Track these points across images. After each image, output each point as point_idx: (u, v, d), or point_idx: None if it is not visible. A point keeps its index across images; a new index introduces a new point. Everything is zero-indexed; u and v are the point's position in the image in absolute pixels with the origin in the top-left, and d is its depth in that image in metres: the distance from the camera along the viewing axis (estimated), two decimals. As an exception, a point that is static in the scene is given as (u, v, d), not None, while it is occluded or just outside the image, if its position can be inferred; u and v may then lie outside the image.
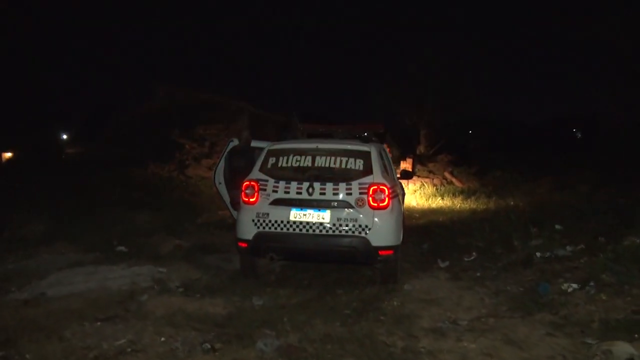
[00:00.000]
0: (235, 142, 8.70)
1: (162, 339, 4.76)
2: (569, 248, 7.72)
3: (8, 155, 29.62)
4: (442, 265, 7.69)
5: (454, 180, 20.11)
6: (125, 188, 14.20)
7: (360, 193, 6.21)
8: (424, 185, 18.18)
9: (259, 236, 6.33)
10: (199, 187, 15.82)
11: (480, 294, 6.13)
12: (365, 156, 6.50)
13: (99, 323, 5.14)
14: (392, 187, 6.46)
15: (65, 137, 41.31)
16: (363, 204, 6.18)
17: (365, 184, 6.25)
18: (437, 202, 15.29)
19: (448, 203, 15.10)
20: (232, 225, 9.97)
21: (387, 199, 6.21)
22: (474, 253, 8.11)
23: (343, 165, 6.47)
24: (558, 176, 18.07)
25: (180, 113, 21.58)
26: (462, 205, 14.42)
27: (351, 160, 6.49)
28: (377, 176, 6.33)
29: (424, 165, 21.89)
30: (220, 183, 8.87)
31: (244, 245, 6.45)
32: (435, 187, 18.05)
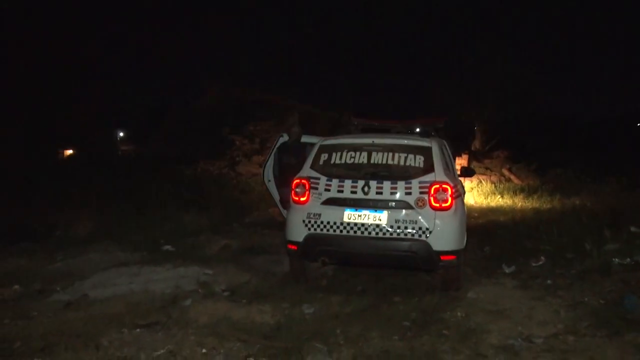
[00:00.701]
0: (285, 137, 8.29)
1: (204, 350, 4.37)
2: (650, 253, 7.00)
3: (69, 152, 30.44)
4: (507, 270, 7.07)
5: (512, 177, 19.24)
6: (174, 186, 14.06)
7: (421, 192, 5.67)
8: (481, 182, 17.40)
9: (309, 238, 5.88)
10: (249, 185, 15.56)
11: (555, 306, 5.49)
12: (426, 152, 5.96)
13: (138, 330, 4.80)
14: (455, 186, 5.89)
15: (121, 134, 42.28)
16: (424, 204, 5.64)
17: (426, 182, 5.71)
18: (497, 201, 14.53)
19: (508, 202, 14.32)
20: (282, 224, 9.60)
21: (450, 198, 5.66)
22: (542, 258, 7.43)
23: (402, 162, 5.94)
24: (627, 175, 16.91)
25: (231, 111, 21.58)
26: (524, 204, 13.63)
27: (410, 156, 5.95)
28: (439, 174, 5.78)
29: (479, 161, 21.07)
30: (269, 180, 8.48)
31: (293, 247, 6.02)
32: (493, 185, 17.23)
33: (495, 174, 19.36)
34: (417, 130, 7.46)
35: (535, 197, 14.42)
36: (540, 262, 7.31)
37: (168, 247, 8.41)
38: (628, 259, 6.90)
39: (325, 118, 21.26)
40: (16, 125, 24.60)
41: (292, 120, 16.58)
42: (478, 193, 15.96)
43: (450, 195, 5.67)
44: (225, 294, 6.03)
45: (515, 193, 15.34)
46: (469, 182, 16.67)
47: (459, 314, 5.30)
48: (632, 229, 8.19)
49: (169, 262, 7.25)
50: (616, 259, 6.92)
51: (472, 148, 23.96)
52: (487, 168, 20.31)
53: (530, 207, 13.17)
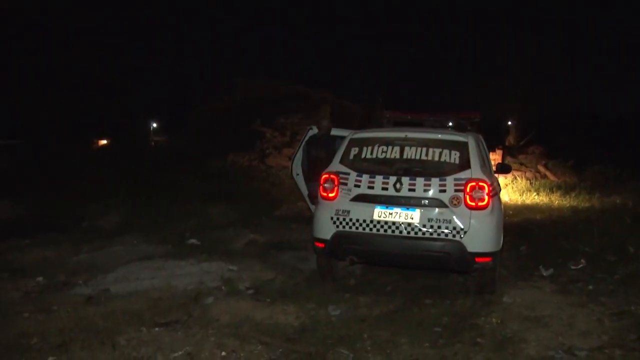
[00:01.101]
0: (315, 130, 8.02)
1: (223, 353, 4.16)
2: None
3: (103, 142, 30.94)
4: (544, 273, 6.70)
5: (548, 174, 18.63)
6: (203, 179, 13.98)
7: (456, 190, 5.36)
8: (516, 178, 16.88)
9: (338, 236, 5.62)
10: (279, 177, 15.41)
11: (597, 314, 5.13)
12: (462, 147, 5.63)
13: (157, 329, 4.63)
14: (491, 184, 5.56)
15: (154, 125, 42.75)
16: (459, 202, 5.33)
17: (461, 179, 5.39)
18: (532, 198, 14.04)
19: (544, 199, 13.81)
20: (310, 219, 9.38)
21: (486, 197, 5.34)
22: (582, 260, 7.03)
23: (436, 158, 5.63)
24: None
25: (262, 104, 21.49)
26: (561, 203, 13.11)
27: (445, 152, 5.63)
28: (475, 171, 5.46)
29: (514, 157, 20.48)
30: (297, 174, 8.25)
31: (321, 245, 5.77)
32: (528, 181, 16.70)
33: (531, 170, 18.78)
34: (450, 124, 7.14)
35: (573, 195, 13.87)
36: (580, 265, 6.92)
37: (194, 240, 8.27)
38: (676, 265, 6.50)
39: (357, 111, 20.96)
40: (53, 113, 25.03)
41: (322, 112, 16.31)
42: (513, 190, 15.47)
43: (487, 194, 5.35)
44: (249, 291, 5.83)
45: (551, 190, 14.79)
46: (503, 178, 16.16)
47: (494, 320, 4.99)
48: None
49: (193, 257, 7.11)
50: (663, 264, 6.53)
51: (506, 143, 23.38)
52: (521, 164, 19.72)
53: (567, 205, 12.66)
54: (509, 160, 19.15)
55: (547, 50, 23.55)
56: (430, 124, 7.22)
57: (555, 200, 13.55)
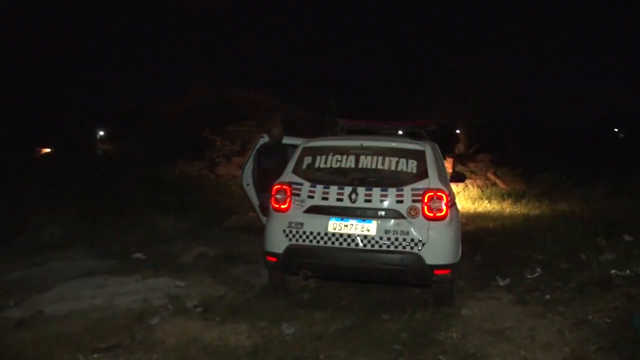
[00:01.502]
0: (265, 138, 7.74)
1: (169, 381, 3.84)
2: (649, 264, 6.62)
3: (46, 150, 29.80)
4: (501, 283, 6.61)
5: (498, 181, 18.88)
6: (151, 188, 13.49)
7: (414, 201, 5.18)
8: (467, 187, 17.00)
9: (290, 250, 5.35)
10: (229, 187, 15.05)
11: (557, 325, 5.04)
12: (419, 156, 5.47)
13: (96, 355, 4.30)
14: (450, 194, 5.42)
15: (101, 133, 41.57)
16: (416, 213, 5.15)
17: (419, 189, 5.22)
18: (484, 206, 14.14)
19: (496, 207, 13.92)
20: (261, 230, 9.08)
21: (444, 207, 5.18)
22: (537, 269, 6.99)
23: (393, 167, 5.44)
24: (613, 180, 16.66)
25: (212, 111, 21.12)
26: (512, 210, 13.23)
27: (402, 161, 5.45)
28: (433, 180, 5.30)
29: (464, 165, 20.69)
30: (248, 184, 7.93)
31: (273, 259, 5.49)
32: (480, 189, 16.84)
33: (481, 178, 18.99)
34: (400, 132, 7.00)
35: (523, 202, 14.04)
36: (536, 274, 6.87)
37: (139, 254, 7.85)
38: (628, 271, 6.50)
39: (309, 118, 20.79)
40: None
41: (274, 120, 16.06)
42: (465, 198, 15.56)
43: (446, 204, 5.20)
44: (198, 310, 5.50)
45: (502, 198, 14.96)
46: (455, 186, 16.24)
47: (454, 334, 4.83)
48: (626, 237, 7.83)
49: (138, 272, 6.72)
50: (615, 271, 6.53)
51: (456, 151, 23.61)
52: (472, 172, 19.92)
53: (518, 212, 12.78)
54: (459, 168, 19.31)
55: (497, 59, 23.89)
56: (385, 132, 7.06)
57: (507, 207, 13.66)
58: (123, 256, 7.76)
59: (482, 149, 23.12)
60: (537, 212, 12.67)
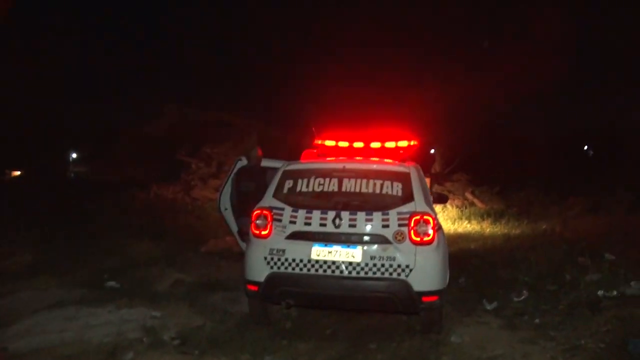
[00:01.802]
0: (244, 161, 7.52)
1: None
2: (635, 285, 6.53)
3: (17, 173, 29.12)
4: (488, 307, 6.46)
5: (475, 201, 18.84)
6: (125, 212, 13.12)
7: (400, 225, 5.00)
8: (445, 207, 16.91)
9: (272, 278, 5.11)
10: (205, 210, 14.69)
11: (550, 351, 4.89)
12: (404, 178, 5.30)
13: (64, 398, 3.96)
14: (436, 217, 5.26)
15: (74, 156, 40.86)
16: (403, 238, 4.97)
17: (405, 213, 5.05)
18: (464, 226, 14.03)
19: (476, 227, 13.82)
20: (240, 255, 8.81)
21: (432, 231, 5.02)
22: (524, 291, 6.85)
23: (377, 190, 5.26)
24: (588, 197, 16.76)
25: (187, 132, 20.79)
26: (492, 230, 13.14)
27: (387, 183, 5.28)
28: (419, 203, 5.13)
29: (441, 185, 20.61)
30: (226, 209, 7.69)
31: (254, 288, 5.24)
32: (458, 209, 16.77)
33: (459, 198, 18.93)
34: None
35: (503, 222, 13.98)
36: (523, 297, 6.73)
37: (112, 283, 7.50)
38: (615, 292, 6.44)
39: (287, 140, 20.58)
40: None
41: (251, 142, 15.82)
42: (444, 218, 15.43)
43: (432, 228, 5.03)
44: (175, 342, 5.20)
45: (482, 218, 14.89)
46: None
47: (445, 364, 4.63)
48: (607, 255, 7.78)
49: (112, 302, 6.39)
50: (602, 292, 6.45)
51: (432, 171, 23.59)
52: (449, 192, 19.86)
53: (499, 232, 12.69)
54: (436, 188, 19.24)
55: (471, 74, 24.08)
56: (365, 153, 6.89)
57: (487, 227, 13.58)
58: (95, 284, 7.41)
59: (458, 168, 23.16)
60: (518, 231, 12.61)
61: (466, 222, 14.59)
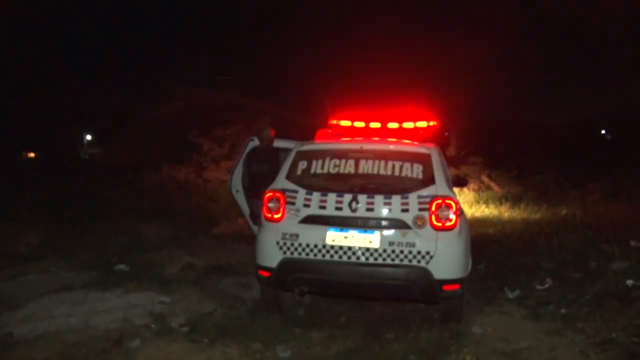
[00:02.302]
0: (256, 141, 7.25)
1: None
2: (665, 274, 6.23)
3: (31, 154, 29.19)
4: (510, 295, 6.18)
5: (492, 184, 18.48)
6: (136, 194, 12.95)
7: (420, 209, 4.73)
8: (462, 190, 16.57)
9: (285, 264, 4.87)
10: (217, 192, 14.48)
11: (580, 344, 4.60)
12: (425, 160, 5.02)
13: (66, 388, 3.77)
14: (458, 202, 4.97)
15: (89, 137, 40.94)
16: (423, 223, 4.70)
17: (426, 197, 4.77)
18: (482, 210, 13.71)
19: (494, 211, 13.51)
20: (252, 238, 8.60)
21: (454, 216, 4.74)
22: (548, 279, 6.56)
23: (396, 172, 4.98)
24: (608, 182, 16.34)
25: (199, 115, 20.61)
26: (511, 214, 12.82)
27: (407, 165, 4.99)
28: (441, 187, 4.85)
29: (456, 168, 20.27)
30: (237, 191, 7.45)
31: (266, 274, 5.00)
32: (475, 193, 16.43)
33: (475, 182, 18.58)
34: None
35: (522, 206, 13.64)
36: (547, 285, 6.44)
37: (122, 266, 7.31)
38: (644, 281, 6.12)
39: (300, 122, 20.32)
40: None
41: (263, 122, 15.57)
42: (461, 202, 15.13)
43: (455, 213, 4.75)
44: (184, 329, 5.00)
45: (500, 202, 14.55)
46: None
47: (467, 357, 4.39)
48: (632, 243, 7.43)
49: (120, 286, 6.20)
50: (631, 281, 6.13)
51: (448, 154, 23.22)
52: (465, 175, 19.51)
53: (518, 217, 12.37)
54: (452, 171, 18.88)
55: (486, 60, 23.71)
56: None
57: (505, 212, 13.26)
58: (104, 267, 7.23)
59: (474, 151, 22.78)
60: (537, 216, 12.28)
61: (484, 205, 14.29)
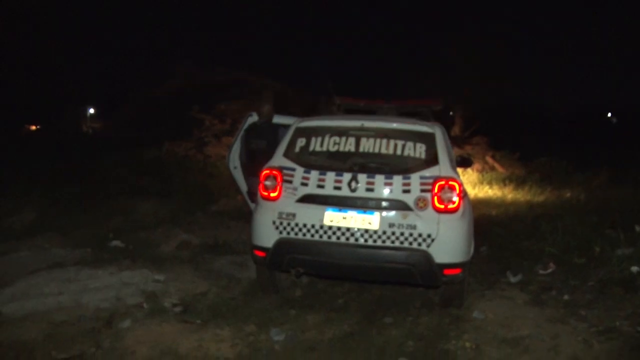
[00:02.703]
0: (254, 117, 7.04)
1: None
2: (670, 261, 6.06)
3: (33, 128, 29.06)
4: (512, 280, 6.03)
5: (496, 165, 18.29)
6: (135, 170, 12.79)
7: (422, 190, 4.54)
8: (465, 170, 16.38)
9: (281, 244, 4.70)
10: (217, 168, 14.31)
11: (582, 333, 4.45)
12: (428, 140, 4.82)
13: (51, 370, 3.64)
14: (462, 183, 4.79)
15: (92, 111, 40.80)
16: (425, 205, 4.52)
17: (428, 178, 4.58)
18: (485, 191, 13.54)
19: (497, 193, 13.33)
20: (250, 216, 8.42)
21: (457, 198, 4.56)
22: (551, 264, 6.41)
23: (398, 152, 4.78)
24: (612, 166, 16.11)
25: (201, 91, 20.39)
26: (515, 196, 12.64)
27: (409, 144, 4.79)
28: (444, 167, 4.66)
29: (460, 148, 20.04)
30: (235, 167, 7.26)
31: (261, 254, 4.84)
32: (479, 174, 16.24)
33: (479, 162, 18.37)
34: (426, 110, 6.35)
35: (526, 188, 13.45)
36: (550, 270, 6.30)
37: (117, 242, 7.20)
38: (650, 268, 5.96)
39: (303, 100, 20.08)
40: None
41: (265, 98, 15.33)
42: (464, 182, 14.94)
43: (458, 195, 4.57)
44: (176, 309, 4.87)
45: (503, 183, 14.36)
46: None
47: (467, 344, 4.24)
48: (637, 228, 7.26)
49: (114, 263, 6.08)
50: (635, 267, 5.96)
51: (452, 134, 22.97)
52: (469, 155, 19.29)
53: (522, 199, 12.20)
54: (456, 151, 18.66)
55: (493, 43, 23.29)
56: (384, 112, 6.39)
57: (509, 193, 13.09)
58: (99, 244, 7.12)
59: (478, 132, 22.54)
60: (541, 199, 12.11)
61: (487, 186, 14.11)
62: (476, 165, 17.55)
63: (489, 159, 18.66)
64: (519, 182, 14.33)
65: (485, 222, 9.33)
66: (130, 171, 12.43)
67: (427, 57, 24.46)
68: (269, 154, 5.37)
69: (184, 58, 24.53)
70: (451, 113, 24.71)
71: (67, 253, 6.66)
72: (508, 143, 22.03)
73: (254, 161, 6.55)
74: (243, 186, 7.18)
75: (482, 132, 22.27)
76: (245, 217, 9.06)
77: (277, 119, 6.85)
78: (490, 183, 14.55)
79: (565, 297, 5.38)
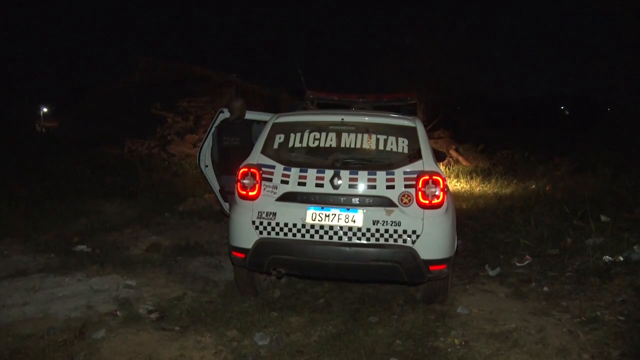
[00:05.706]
0: (226, 113, 6.82)
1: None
2: (638, 249, 6.16)
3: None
4: (491, 273, 6.02)
5: (460, 158, 18.44)
6: (96, 170, 12.38)
7: (406, 186, 4.44)
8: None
9: (261, 245, 4.52)
10: (182, 167, 14.00)
11: (566, 324, 4.45)
12: (411, 134, 4.71)
13: (23, 388, 3.40)
14: (445, 178, 4.70)
15: (45, 110, 39.56)
16: (410, 200, 4.41)
17: (412, 173, 4.48)
18: (452, 184, 13.59)
19: (465, 186, 13.40)
20: (220, 214, 8.23)
21: (441, 193, 4.47)
22: (527, 256, 6.44)
23: (381, 146, 4.67)
24: (573, 156, 16.43)
25: (162, 87, 19.95)
26: (482, 189, 12.72)
27: (391, 139, 4.68)
28: (427, 162, 4.57)
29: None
30: (207, 166, 7.04)
31: (240, 255, 4.65)
32: (445, 167, 16.33)
33: (443, 155, 18.49)
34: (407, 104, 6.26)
35: (492, 180, 13.56)
36: (526, 262, 6.33)
37: (83, 247, 6.90)
38: (620, 257, 6.07)
39: (264, 94, 19.87)
40: None
41: (229, 95, 15.06)
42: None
43: (442, 189, 4.48)
44: (152, 316, 4.64)
45: (470, 176, 14.46)
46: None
47: (456, 340, 4.17)
48: (602, 218, 7.39)
49: (81, 269, 5.84)
50: (607, 257, 6.08)
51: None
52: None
53: (489, 192, 12.28)
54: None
55: (453, 35, 23.46)
56: (359, 106, 6.28)
57: (476, 186, 13.17)
58: (63, 249, 6.80)
59: (439, 125, 22.71)
60: (508, 190, 12.22)
61: (454, 180, 14.18)
62: (442, 159, 17.67)
63: (452, 153, 18.79)
64: (484, 175, 14.45)
65: (457, 215, 9.31)
66: (93, 171, 12.02)
67: (388, 50, 24.48)
68: (243, 151, 5.21)
69: (143, 51, 24.03)
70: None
71: (29, 260, 6.35)
72: (470, 136, 22.29)
73: (227, 159, 6.35)
74: (215, 185, 6.96)
75: (443, 125, 22.47)
76: (215, 216, 8.88)
77: (250, 115, 6.66)
78: (457, 176, 14.63)
79: (545, 288, 5.39)
